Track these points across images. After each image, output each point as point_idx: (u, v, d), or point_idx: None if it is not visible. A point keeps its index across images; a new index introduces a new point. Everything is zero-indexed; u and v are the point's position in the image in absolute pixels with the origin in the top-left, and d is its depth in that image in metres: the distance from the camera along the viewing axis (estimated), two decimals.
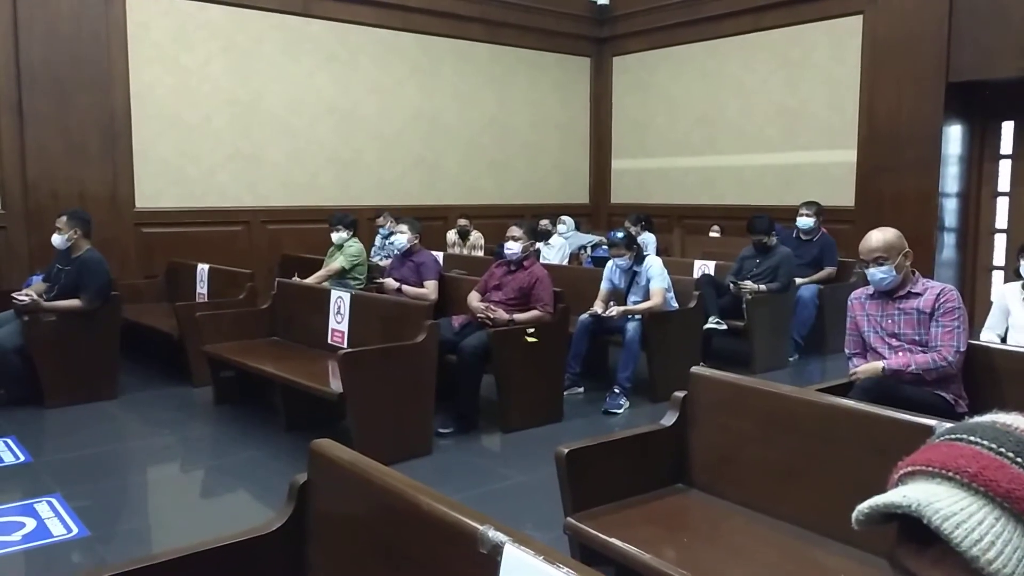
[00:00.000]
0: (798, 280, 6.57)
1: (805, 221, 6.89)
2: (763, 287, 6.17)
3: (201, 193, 7.77)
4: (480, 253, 8.49)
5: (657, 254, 6.85)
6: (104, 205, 7.05)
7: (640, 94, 10.55)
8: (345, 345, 4.81)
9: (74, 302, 5.24)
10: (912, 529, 0.72)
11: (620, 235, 5.51)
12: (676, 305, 5.58)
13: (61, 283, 5.33)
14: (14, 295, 5.24)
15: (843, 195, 8.35)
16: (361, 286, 6.33)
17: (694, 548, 2.46)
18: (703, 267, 6.84)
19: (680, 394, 2.87)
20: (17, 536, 3.35)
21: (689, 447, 2.84)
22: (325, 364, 4.67)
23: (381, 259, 7.43)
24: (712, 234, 9.14)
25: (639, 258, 5.49)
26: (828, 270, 6.85)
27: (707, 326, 5.91)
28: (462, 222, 8.67)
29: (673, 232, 9.26)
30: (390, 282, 5.84)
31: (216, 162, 7.85)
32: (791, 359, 6.56)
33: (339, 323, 5.01)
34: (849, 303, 3.65)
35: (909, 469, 0.76)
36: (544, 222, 8.34)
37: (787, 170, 9.02)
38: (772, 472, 2.58)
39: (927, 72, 7.55)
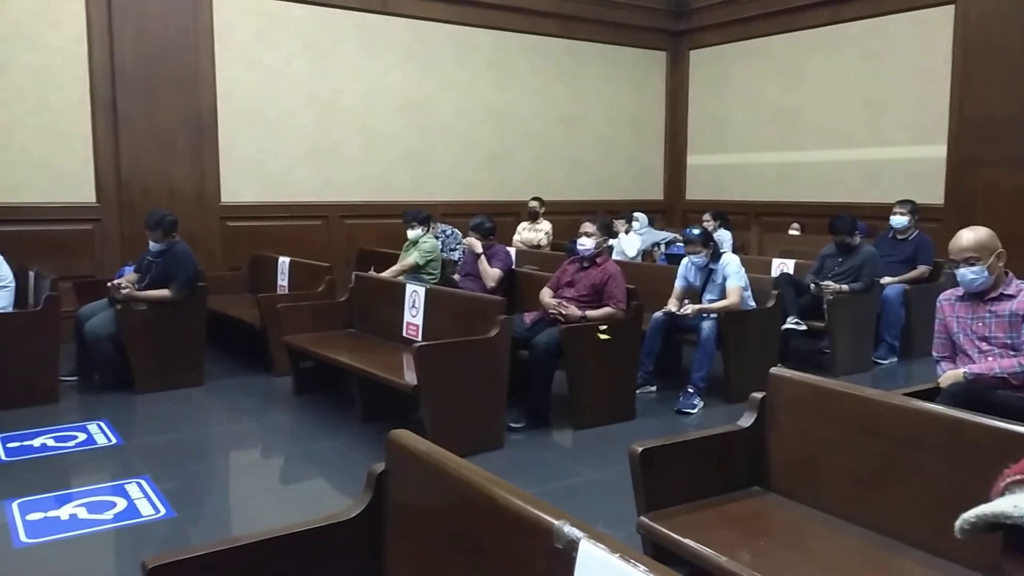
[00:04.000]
0: (886, 279, 6.36)
1: (899, 220, 6.65)
2: (845, 287, 5.98)
3: (281, 188, 8.00)
4: (546, 239, 8.47)
5: (734, 252, 6.71)
6: (191, 200, 7.34)
7: (717, 88, 10.35)
8: (420, 338, 4.88)
9: (164, 292, 5.47)
10: (1022, 540, 0.68)
11: (696, 232, 5.43)
12: (753, 304, 5.47)
13: (152, 274, 5.57)
14: (109, 284, 5.51)
15: (931, 192, 8.01)
16: (435, 280, 6.41)
17: (772, 553, 2.41)
18: (781, 265, 6.68)
19: (758, 395, 2.81)
20: (109, 515, 3.52)
21: (767, 449, 2.78)
22: (400, 356, 4.76)
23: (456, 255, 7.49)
24: (791, 232, 8.91)
25: (715, 256, 5.39)
26: (921, 269, 6.58)
27: (786, 326, 5.77)
28: (533, 204, 8.66)
29: (750, 229, 9.07)
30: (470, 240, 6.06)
31: (296, 158, 8.07)
32: (886, 362, 6.35)
33: (414, 316, 5.09)
34: (938, 304, 3.51)
35: (1018, 477, 0.73)
36: (618, 222, 8.25)
37: (871, 166, 8.71)
38: (854, 477, 2.50)
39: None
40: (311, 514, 2.18)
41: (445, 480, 1.86)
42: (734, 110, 10.15)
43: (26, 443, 4.44)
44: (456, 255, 7.33)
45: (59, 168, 6.90)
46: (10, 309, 5.31)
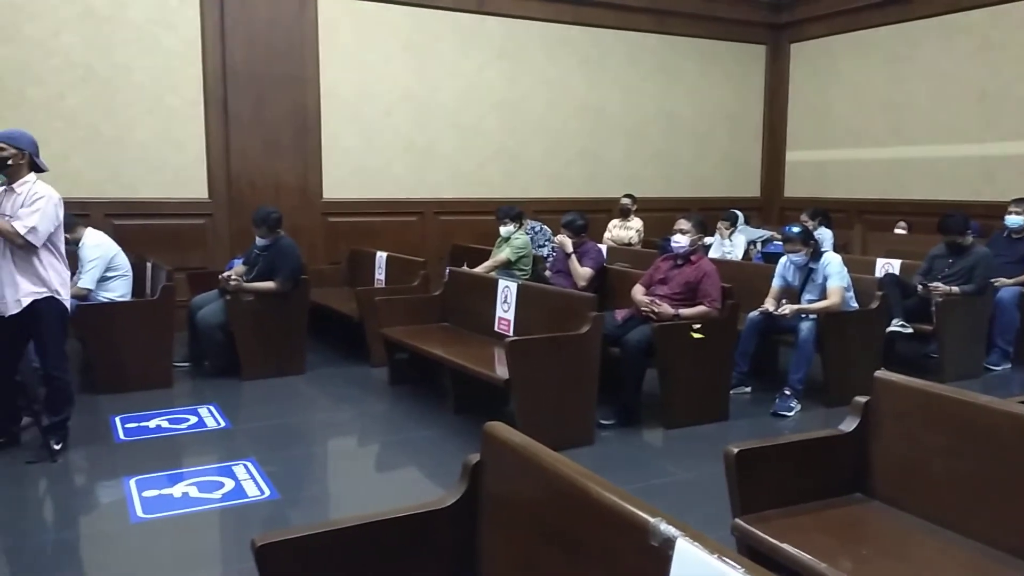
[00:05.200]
0: (1000, 281, 6.02)
1: (1015, 219, 6.30)
2: (956, 289, 5.70)
3: (379, 184, 8.21)
4: (637, 237, 8.39)
5: (834, 251, 6.48)
6: (295, 195, 7.63)
7: (820, 81, 10.01)
8: (511, 333, 4.93)
9: (269, 284, 5.71)
10: None
11: (796, 230, 5.27)
12: (856, 305, 5.27)
13: (259, 267, 5.83)
14: (219, 276, 5.80)
15: None
16: (527, 276, 6.46)
17: (874, 562, 2.33)
18: (886, 266, 6.42)
19: (862, 399, 2.72)
20: (218, 494, 3.71)
21: (870, 455, 2.69)
22: (492, 351, 4.83)
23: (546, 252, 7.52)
24: (898, 231, 8.53)
25: (816, 254, 5.23)
26: None
27: (891, 329, 5.54)
28: (624, 201, 8.59)
29: (853, 228, 8.73)
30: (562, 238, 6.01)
31: (393, 155, 8.27)
32: (999, 368, 6.03)
33: (506, 312, 5.14)
34: None
35: None
36: (721, 224, 8.08)
37: (986, 162, 8.24)
38: (964, 487, 2.39)
39: None
40: (405, 501, 2.25)
41: (540, 473, 1.88)
42: (837, 104, 9.79)
43: (143, 424, 4.73)
44: (546, 251, 7.36)
45: (174, 165, 7.29)
46: (128, 298, 5.66)
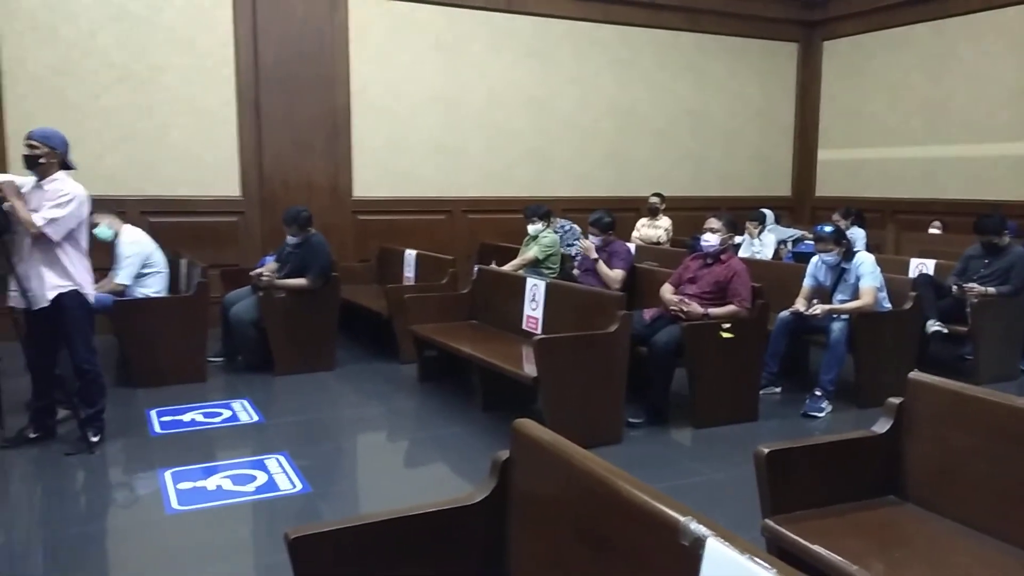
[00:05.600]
0: None
1: None
2: (992, 290, 5.60)
3: (408, 183, 8.26)
4: (666, 236, 8.34)
5: (867, 250, 6.40)
6: (326, 194, 7.71)
7: (853, 80, 9.88)
8: (539, 331, 4.94)
9: (301, 281, 5.78)
10: None
11: (828, 229, 5.22)
12: (889, 306, 5.21)
13: (290, 264, 5.89)
14: (251, 273, 5.88)
15: None
16: (554, 275, 6.46)
17: (908, 565, 2.31)
18: (920, 266, 6.32)
19: (895, 400, 2.69)
20: (251, 487, 3.77)
21: (904, 458, 2.66)
22: (520, 348, 4.84)
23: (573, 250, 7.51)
24: (932, 230, 8.39)
25: (848, 254, 5.17)
26: None
27: (932, 329, 5.45)
28: (653, 200, 8.55)
29: (886, 227, 8.61)
30: (588, 246, 5.90)
31: (422, 154, 8.31)
32: None
33: (534, 310, 5.15)
34: None
35: None
36: (749, 224, 8.00)
37: (1023, 161, 8.08)
38: (1000, 490, 2.36)
39: None
40: (433, 497, 2.27)
41: (569, 471, 1.89)
42: (871, 102, 9.65)
43: (177, 418, 4.81)
44: (575, 250, 7.35)
45: (208, 164, 7.40)
46: (164, 294, 5.76)
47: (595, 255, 5.85)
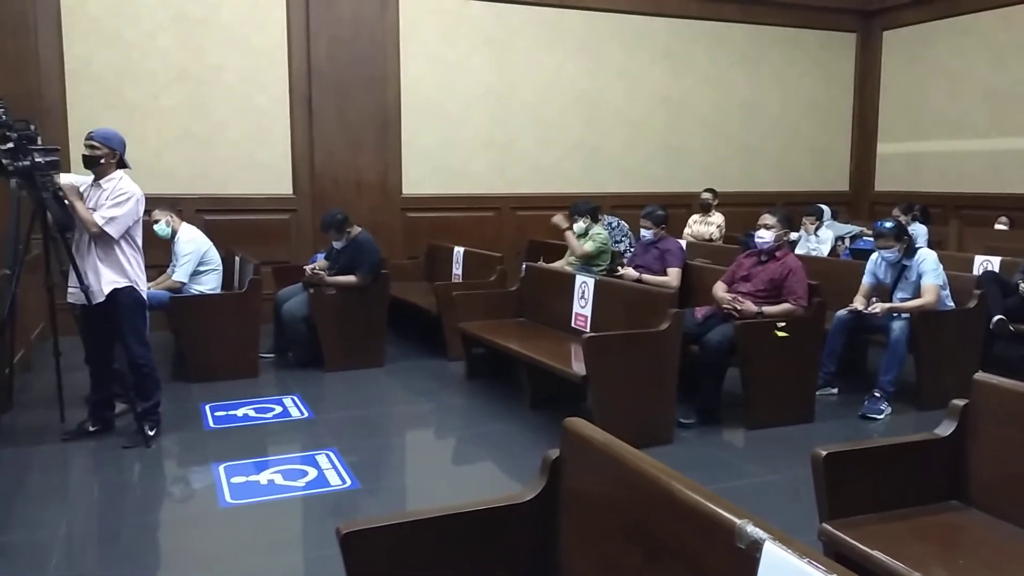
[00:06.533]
0: None
1: None
2: None
3: (458, 180, 8.28)
4: (718, 232, 8.20)
5: (929, 247, 6.20)
6: (376, 191, 7.77)
7: (914, 70, 9.59)
8: (588, 329, 4.90)
9: (350, 278, 5.83)
10: None
11: (889, 225, 5.06)
12: (952, 304, 5.03)
13: (340, 262, 5.95)
14: (303, 269, 5.96)
15: None
16: (604, 272, 6.39)
17: (972, 572, 2.21)
18: (985, 263, 6.10)
19: (960, 402, 2.59)
20: (301, 483, 3.81)
21: (968, 462, 2.55)
22: (568, 346, 4.80)
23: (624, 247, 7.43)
24: (998, 226, 8.10)
25: (909, 251, 5.01)
26: None
27: (994, 320, 5.25)
28: (705, 195, 8.41)
29: (949, 223, 8.33)
30: (630, 272, 5.87)
31: (472, 150, 8.32)
32: None
33: (583, 308, 5.11)
34: None
35: None
36: (806, 219, 7.82)
37: None
38: None
39: None
40: (481, 494, 2.25)
41: (622, 471, 1.85)
42: (933, 93, 9.35)
43: (231, 412, 4.89)
44: (623, 247, 7.27)
45: (261, 162, 7.53)
46: (218, 291, 5.87)
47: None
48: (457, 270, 6.91)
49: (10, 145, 3.91)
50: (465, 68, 8.19)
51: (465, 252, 6.89)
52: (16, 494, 3.67)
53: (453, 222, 8.19)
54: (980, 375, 2.64)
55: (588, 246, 6.49)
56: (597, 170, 8.89)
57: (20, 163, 3.93)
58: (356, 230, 5.97)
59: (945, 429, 2.60)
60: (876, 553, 2.21)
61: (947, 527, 2.45)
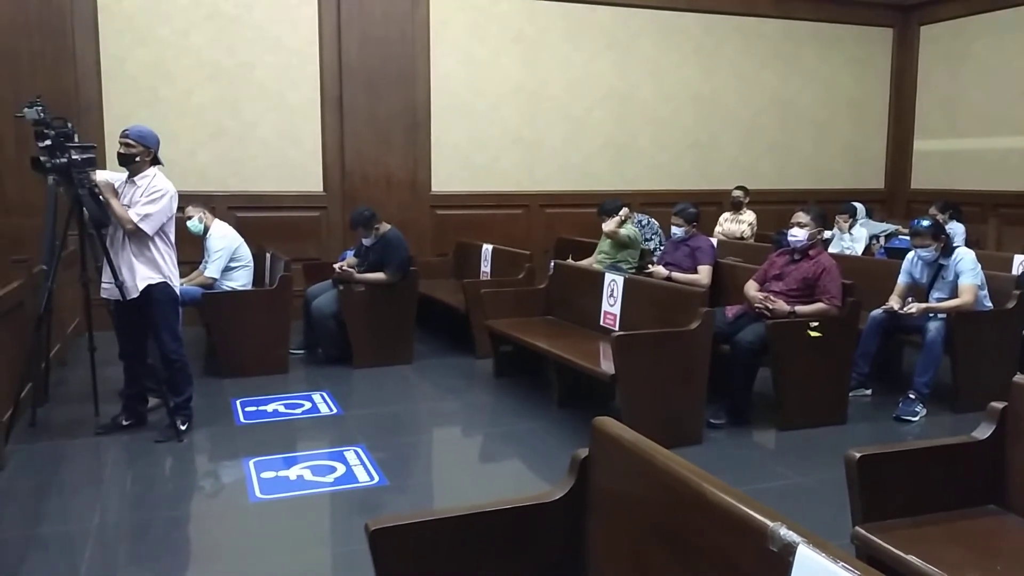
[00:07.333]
0: None
1: None
2: None
3: (486, 177, 8.28)
4: (749, 230, 8.10)
5: (967, 246, 6.07)
6: (405, 189, 7.80)
7: (952, 66, 9.39)
8: (617, 328, 4.87)
9: (379, 275, 5.85)
10: None
11: (926, 223, 4.96)
12: (990, 305, 4.92)
13: (369, 259, 5.98)
14: (333, 266, 6.00)
15: None
16: (632, 270, 6.35)
17: None
18: None
19: (998, 405, 2.52)
20: (330, 478, 3.83)
21: (1007, 465, 2.49)
22: (597, 345, 4.78)
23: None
24: None
25: (947, 250, 4.91)
26: None
27: None
28: (736, 193, 8.31)
29: (987, 222, 8.16)
30: (660, 270, 5.83)
31: (501, 148, 8.31)
32: None
33: (612, 306, 5.08)
34: None
35: None
36: (839, 217, 7.69)
37: None
38: None
39: None
40: (509, 493, 2.25)
41: (652, 471, 1.83)
42: (972, 90, 9.16)
43: (261, 408, 4.94)
44: (653, 245, 7.22)
45: (292, 160, 7.59)
46: (249, 287, 5.93)
47: (665, 273, 5.81)
48: (485, 267, 6.91)
49: (48, 143, 3.99)
50: (494, 65, 8.18)
51: (494, 249, 6.88)
52: (50, 487, 3.74)
53: (482, 219, 8.18)
54: (1019, 377, 2.57)
55: (626, 230, 6.43)
56: (626, 167, 8.84)
57: (57, 160, 4.01)
58: (385, 227, 5.99)
59: (983, 432, 2.54)
60: (911, 558, 2.17)
61: (984, 532, 2.40)
